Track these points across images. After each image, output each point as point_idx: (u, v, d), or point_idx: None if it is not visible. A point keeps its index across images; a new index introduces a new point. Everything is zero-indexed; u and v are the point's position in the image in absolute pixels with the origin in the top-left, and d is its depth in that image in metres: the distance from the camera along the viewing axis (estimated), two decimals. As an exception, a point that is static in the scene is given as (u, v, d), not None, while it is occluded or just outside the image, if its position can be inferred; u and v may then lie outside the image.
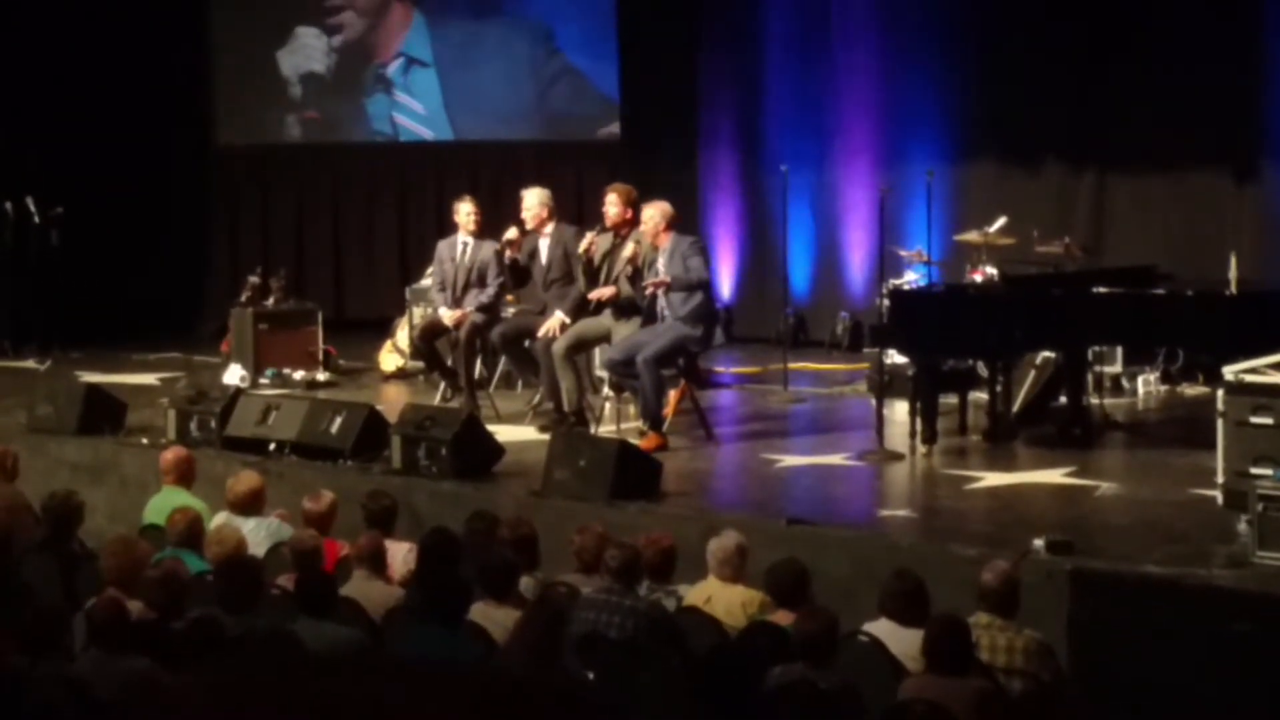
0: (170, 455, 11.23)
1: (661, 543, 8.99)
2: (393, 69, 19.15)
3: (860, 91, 17.16)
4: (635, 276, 12.76)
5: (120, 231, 18.28)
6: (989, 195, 15.82)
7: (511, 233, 13.58)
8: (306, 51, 19.22)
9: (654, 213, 12.72)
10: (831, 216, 17.38)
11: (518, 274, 13.72)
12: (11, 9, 17.91)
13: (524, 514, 10.08)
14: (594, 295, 13.00)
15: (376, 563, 9.16)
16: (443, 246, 14.24)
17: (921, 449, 12.18)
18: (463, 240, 14.09)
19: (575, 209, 16.09)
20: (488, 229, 14.14)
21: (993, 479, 11.50)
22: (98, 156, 18.02)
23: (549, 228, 13.60)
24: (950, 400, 12.83)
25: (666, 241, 12.64)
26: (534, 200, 13.64)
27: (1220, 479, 9.94)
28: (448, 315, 13.93)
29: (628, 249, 12.75)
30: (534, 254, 13.62)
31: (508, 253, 13.59)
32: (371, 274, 19.17)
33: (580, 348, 13.18)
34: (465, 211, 14.12)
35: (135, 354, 16.85)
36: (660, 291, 12.57)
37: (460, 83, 18.97)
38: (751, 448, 12.76)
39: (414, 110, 19.10)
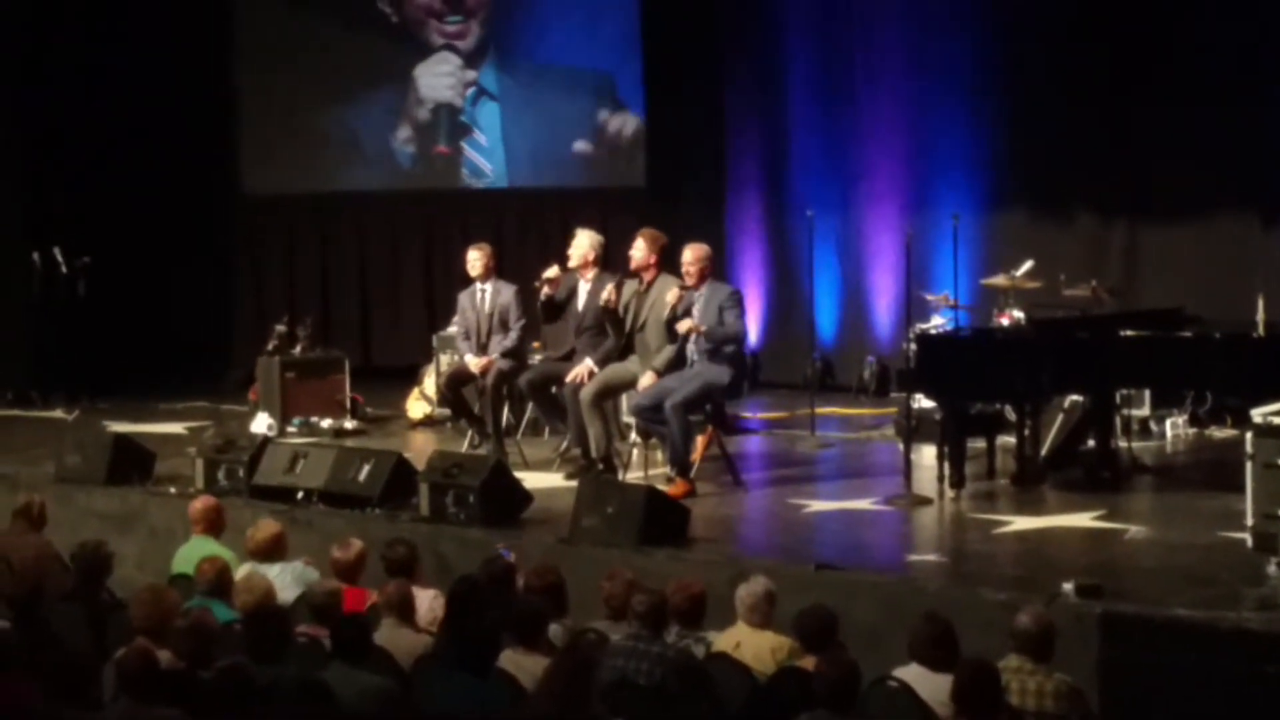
0: (199, 504, 11.23)
1: (692, 589, 8.95)
2: (465, 96, 19.19)
3: (886, 136, 17.16)
4: (675, 324, 12.67)
5: (147, 281, 18.31)
6: (1015, 239, 15.79)
7: (553, 271, 13.49)
8: (450, 81, 19.24)
9: (703, 255, 12.66)
10: (858, 261, 17.36)
11: (550, 309, 13.60)
12: (37, 59, 17.99)
13: (552, 561, 10.06)
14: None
15: (404, 610, 9.15)
16: (463, 297, 14.25)
17: (950, 493, 12.17)
18: (480, 287, 14.10)
19: (600, 255, 16.06)
20: (509, 274, 14.12)
21: (1021, 523, 11.48)
22: (124, 206, 18.04)
23: (591, 273, 13.48)
24: (978, 444, 12.79)
25: (704, 288, 12.62)
26: (584, 241, 13.54)
27: (1249, 522, 9.93)
28: (474, 362, 13.94)
29: (671, 294, 12.69)
30: (572, 294, 13.52)
31: (545, 290, 13.52)
32: (398, 322, 19.17)
33: (608, 394, 13.13)
34: (472, 258, 14.15)
35: (163, 403, 16.85)
36: (691, 336, 12.54)
37: (519, 123, 19.06)
38: (779, 493, 12.75)
39: (479, 143, 19.13)
